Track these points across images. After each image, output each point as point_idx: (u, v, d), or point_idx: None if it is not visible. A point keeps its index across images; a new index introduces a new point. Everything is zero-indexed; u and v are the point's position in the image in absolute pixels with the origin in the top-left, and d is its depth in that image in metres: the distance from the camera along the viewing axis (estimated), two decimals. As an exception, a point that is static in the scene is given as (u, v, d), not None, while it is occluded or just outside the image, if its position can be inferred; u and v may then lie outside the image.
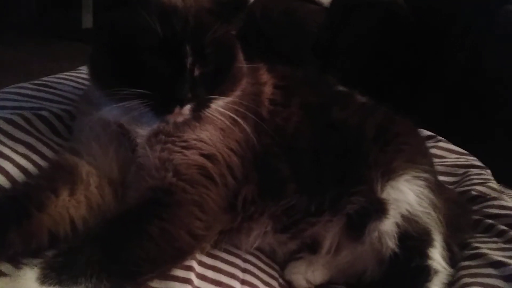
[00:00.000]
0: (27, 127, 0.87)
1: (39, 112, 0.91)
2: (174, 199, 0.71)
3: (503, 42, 1.62)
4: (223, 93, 0.78)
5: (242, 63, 0.82)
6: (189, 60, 0.70)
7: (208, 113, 0.76)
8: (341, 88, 0.98)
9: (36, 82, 1.05)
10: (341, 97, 0.95)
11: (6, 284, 0.59)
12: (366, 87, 0.98)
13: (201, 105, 0.74)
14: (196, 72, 0.72)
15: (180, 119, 0.74)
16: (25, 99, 0.98)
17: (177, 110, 0.72)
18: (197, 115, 0.76)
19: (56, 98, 1.00)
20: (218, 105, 0.77)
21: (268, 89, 0.89)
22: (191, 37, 0.70)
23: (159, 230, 0.66)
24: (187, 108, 0.72)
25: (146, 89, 0.70)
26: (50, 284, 0.59)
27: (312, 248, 0.88)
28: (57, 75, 1.10)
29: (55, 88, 1.03)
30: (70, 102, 0.98)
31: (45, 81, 1.06)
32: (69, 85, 1.05)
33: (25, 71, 2.37)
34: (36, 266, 0.60)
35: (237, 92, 0.81)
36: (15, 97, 0.98)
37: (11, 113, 0.88)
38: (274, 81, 0.91)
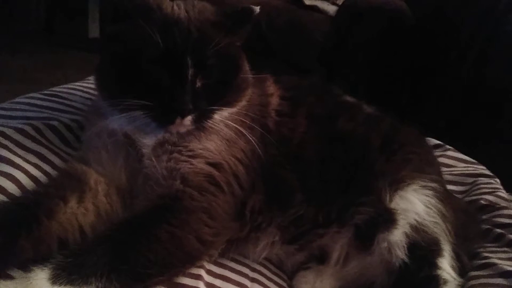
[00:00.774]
0: (38, 136, 0.88)
1: (49, 122, 0.92)
2: (183, 205, 0.71)
3: (508, 51, 1.62)
4: (227, 104, 0.79)
5: (247, 74, 0.83)
6: (191, 72, 0.71)
7: (212, 123, 0.76)
8: (347, 98, 0.98)
9: (46, 92, 1.06)
10: (347, 108, 0.95)
11: (17, 285, 0.60)
12: (371, 95, 0.98)
13: (203, 116, 0.75)
14: (198, 84, 0.73)
15: (182, 129, 0.75)
16: (35, 109, 0.99)
17: (178, 121, 0.72)
18: (200, 126, 0.76)
19: (65, 108, 1.01)
20: (222, 116, 0.78)
21: (274, 100, 0.90)
22: (192, 48, 0.71)
23: (168, 234, 0.67)
24: (188, 119, 0.73)
25: (148, 100, 0.71)
26: (61, 284, 0.60)
27: (320, 259, 0.87)
28: (66, 85, 1.12)
29: (64, 98, 1.05)
30: (80, 112, 0.99)
31: (54, 91, 1.08)
32: (78, 95, 1.07)
33: (32, 80, 2.40)
34: (46, 267, 0.61)
35: (243, 103, 0.82)
36: (26, 107, 0.99)
37: (22, 123, 0.89)
38: (280, 92, 0.91)
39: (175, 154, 0.76)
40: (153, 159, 0.75)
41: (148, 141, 0.76)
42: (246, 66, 0.84)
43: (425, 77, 1.88)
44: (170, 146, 0.76)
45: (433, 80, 1.86)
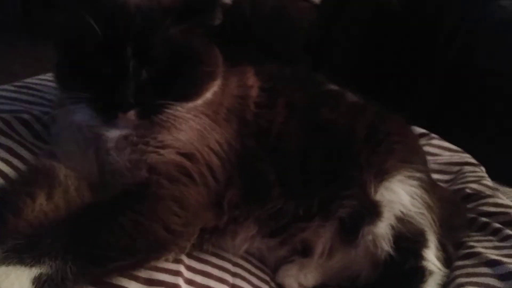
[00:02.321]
0: (7, 130, 0.84)
1: (20, 115, 0.89)
2: (150, 192, 0.68)
3: (494, 36, 1.61)
4: (183, 98, 0.73)
5: (214, 65, 0.77)
6: (132, 63, 0.66)
7: (164, 118, 0.71)
8: (331, 86, 0.96)
9: (17, 84, 1.03)
10: (330, 97, 0.92)
11: None
12: (358, 84, 0.96)
13: (150, 111, 0.70)
14: (144, 75, 0.68)
15: (130, 123, 0.70)
16: (6, 101, 0.95)
17: (121, 115, 0.68)
18: (153, 120, 0.71)
19: (37, 100, 0.97)
20: (180, 110, 0.73)
21: (254, 92, 0.86)
22: (135, 37, 0.66)
23: (131, 222, 0.64)
24: (131, 114, 0.68)
25: (91, 93, 0.67)
26: (9, 264, 0.56)
27: (303, 252, 0.86)
28: (38, 77, 1.08)
29: (36, 90, 1.01)
30: (52, 104, 0.95)
31: (26, 83, 1.04)
32: (51, 87, 1.02)
33: (8, 72, 2.33)
34: None
35: (208, 96, 0.77)
36: (-4, 99, 0.95)
37: (-9, 116, 0.85)
38: (260, 84, 0.88)
39: (141, 146, 0.72)
40: (117, 152, 0.72)
41: (111, 135, 0.72)
42: (214, 57, 0.78)
43: (412, 63, 1.87)
44: (135, 138, 0.72)
45: (420, 66, 1.85)
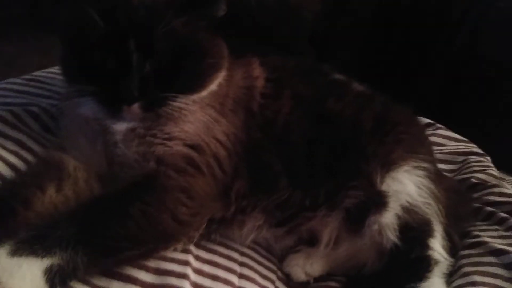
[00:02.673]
0: (17, 123, 0.85)
1: (29, 107, 0.89)
2: (158, 183, 0.69)
3: (500, 27, 1.60)
4: (188, 90, 0.73)
5: (219, 57, 0.77)
6: (135, 56, 0.66)
7: (169, 110, 0.72)
8: (337, 76, 0.95)
9: (26, 77, 1.03)
10: (336, 87, 0.92)
11: None
12: (364, 74, 0.96)
13: (155, 103, 0.70)
14: (147, 68, 0.68)
15: (135, 116, 0.71)
16: (15, 94, 0.95)
17: (126, 108, 0.68)
18: (158, 112, 0.72)
19: (46, 93, 0.98)
20: (190, 100, 0.73)
21: (260, 83, 0.86)
22: (137, 30, 0.66)
23: (141, 212, 0.65)
24: (136, 107, 0.68)
25: (96, 87, 0.68)
26: (21, 255, 0.57)
27: (310, 242, 0.86)
28: (47, 70, 1.08)
29: (45, 83, 1.01)
30: (60, 96, 0.95)
31: (35, 75, 1.04)
32: (59, 79, 1.02)
33: (16, 65, 2.34)
34: (6, 243, 0.57)
35: (213, 87, 0.77)
36: (5, 92, 0.95)
37: (1, 109, 0.86)
38: (266, 75, 0.88)
39: (148, 138, 0.72)
40: (125, 144, 0.72)
41: (118, 127, 0.73)
42: (218, 48, 0.78)
43: (417, 54, 1.86)
44: (142, 130, 0.73)
45: (426, 57, 1.84)
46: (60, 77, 1.03)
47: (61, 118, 0.85)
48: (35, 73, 1.06)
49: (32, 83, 1.01)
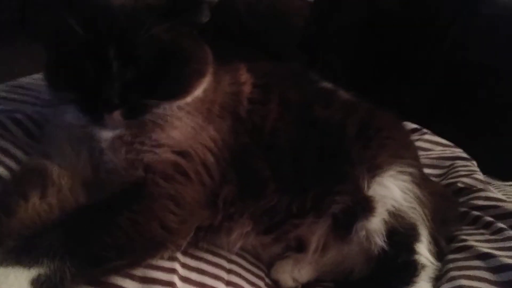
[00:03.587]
0: (0, 130, 0.84)
1: (13, 114, 0.88)
2: (147, 192, 0.69)
3: (487, 33, 1.62)
4: (170, 96, 0.73)
5: (203, 63, 0.77)
6: (115, 63, 0.66)
7: (152, 118, 0.71)
8: (324, 84, 0.96)
9: (10, 83, 1.03)
10: (323, 94, 0.93)
11: None
12: (353, 81, 0.96)
13: (136, 110, 0.69)
14: (128, 75, 0.67)
15: (117, 124, 0.70)
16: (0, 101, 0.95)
17: (106, 116, 0.68)
18: (143, 119, 0.71)
19: (30, 99, 0.97)
20: (169, 108, 0.73)
21: (247, 88, 0.86)
22: (117, 37, 0.65)
23: (128, 221, 0.64)
24: (117, 114, 0.67)
25: (78, 94, 0.67)
26: (8, 265, 0.56)
27: (297, 249, 0.86)
28: (32, 76, 1.08)
29: (30, 89, 1.01)
30: (45, 103, 0.95)
31: (20, 82, 1.04)
32: (44, 86, 1.02)
33: (5, 73, 2.31)
34: None
35: (197, 93, 0.76)
36: (-11, 99, 0.95)
37: (-16, 117, 0.85)
38: (253, 80, 0.88)
39: (136, 145, 0.72)
40: (112, 152, 0.72)
41: (103, 135, 0.72)
42: (201, 54, 0.77)
43: (407, 60, 1.88)
44: (130, 138, 0.72)
45: (415, 63, 1.86)
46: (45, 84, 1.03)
47: (45, 125, 0.84)
48: (19, 79, 1.06)
49: (16, 89, 1.00)
